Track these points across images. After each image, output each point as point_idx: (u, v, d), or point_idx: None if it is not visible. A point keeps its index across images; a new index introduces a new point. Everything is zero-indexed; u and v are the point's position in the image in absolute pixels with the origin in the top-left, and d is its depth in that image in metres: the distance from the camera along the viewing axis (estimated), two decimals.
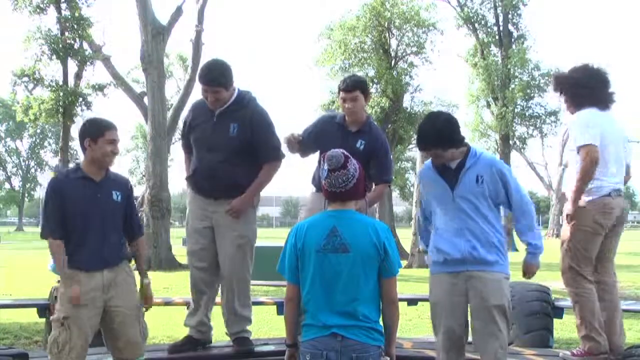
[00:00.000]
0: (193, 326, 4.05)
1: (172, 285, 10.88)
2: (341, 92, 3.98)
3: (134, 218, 3.52)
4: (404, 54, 23.02)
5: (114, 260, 3.32)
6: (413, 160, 33.51)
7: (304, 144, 4.07)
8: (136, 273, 3.47)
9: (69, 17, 17.94)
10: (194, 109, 4.11)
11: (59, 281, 3.34)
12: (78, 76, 18.86)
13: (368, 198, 3.83)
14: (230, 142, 3.87)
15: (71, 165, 19.72)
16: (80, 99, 18.50)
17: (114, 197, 3.33)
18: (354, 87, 3.93)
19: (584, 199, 3.69)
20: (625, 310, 4.39)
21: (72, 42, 18.19)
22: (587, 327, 3.71)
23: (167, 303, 5.72)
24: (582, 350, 3.74)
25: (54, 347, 3.15)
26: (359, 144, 3.95)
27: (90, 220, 3.24)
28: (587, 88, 3.82)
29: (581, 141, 3.65)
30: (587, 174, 3.62)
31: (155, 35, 15.72)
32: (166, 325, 6.56)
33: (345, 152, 2.68)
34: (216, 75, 3.81)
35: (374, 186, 4.01)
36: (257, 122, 3.93)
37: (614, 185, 3.72)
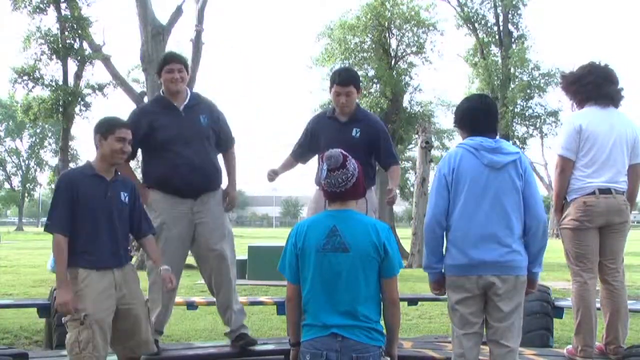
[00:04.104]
0: (160, 331, 4.04)
1: None
2: (335, 86, 3.98)
3: (143, 217, 3.52)
4: (403, 54, 23.03)
5: (123, 259, 3.36)
6: (413, 160, 33.51)
7: (302, 149, 4.23)
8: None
9: (69, 16, 17.94)
10: (147, 110, 4.08)
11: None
12: (78, 76, 18.87)
13: (394, 184, 4.03)
14: (203, 132, 4.00)
15: (72, 165, 19.77)
16: (80, 99, 18.50)
17: (122, 197, 3.35)
18: (349, 82, 3.97)
19: (568, 199, 3.85)
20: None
21: (72, 41, 18.20)
22: (581, 325, 3.75)
23: None
24: (573, 349, 3.82)
25: (75, 347, 3.10)
26: (354, 133, 4.01)
27: (100, 218, 3.25)
28: (589, 84, 3.84)
29: (557, 149, 3.87)
30: (557, 182, 3.87)
31: (155, 35, 15.69)
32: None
33: (344, 152, 2.68)
34: (177, 54, 4.17)
35: (390, 174, 4.08)
36: (217, 112, 4.14)
37: (600, 184, 3.72)
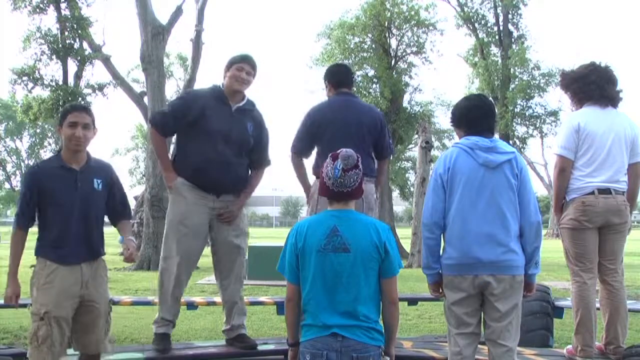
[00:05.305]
0: (170, 320, 4.04)
1: None
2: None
3: (120, 200, 3.44)
4: (403, 54, 23.05)
5: (94, 254, 3.29)
6: (413, 160, 33.54)
7: None
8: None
9: (69, 16, 17.93)
10: (203, 96, 4.02)
11: (32, 266, 3.23)
12: (78, 76, 18.85)
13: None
14: (246, 138, 4.02)
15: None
16: (79, 99, 18.48)
17: (94, 185, 3.27)
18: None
19: (567, 198, 3.84)
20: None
21: (72, 41, 18.19)
22: (581, 325, 3.76)
23: None
24: (573, 349, 3.83)
25: (34, 340, 3.12)
26: None
27: (70, 212, 3.17)
28: (592, 84, 3.83)
29: (555, 149, 3.86)
30: (556, 182, 3.85)
31: (155, 35, 15.70)
32: None
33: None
34: (253, 58, 4.05)
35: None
36: (264, 127, 4.18)
37: (599, 184, 3.72)
